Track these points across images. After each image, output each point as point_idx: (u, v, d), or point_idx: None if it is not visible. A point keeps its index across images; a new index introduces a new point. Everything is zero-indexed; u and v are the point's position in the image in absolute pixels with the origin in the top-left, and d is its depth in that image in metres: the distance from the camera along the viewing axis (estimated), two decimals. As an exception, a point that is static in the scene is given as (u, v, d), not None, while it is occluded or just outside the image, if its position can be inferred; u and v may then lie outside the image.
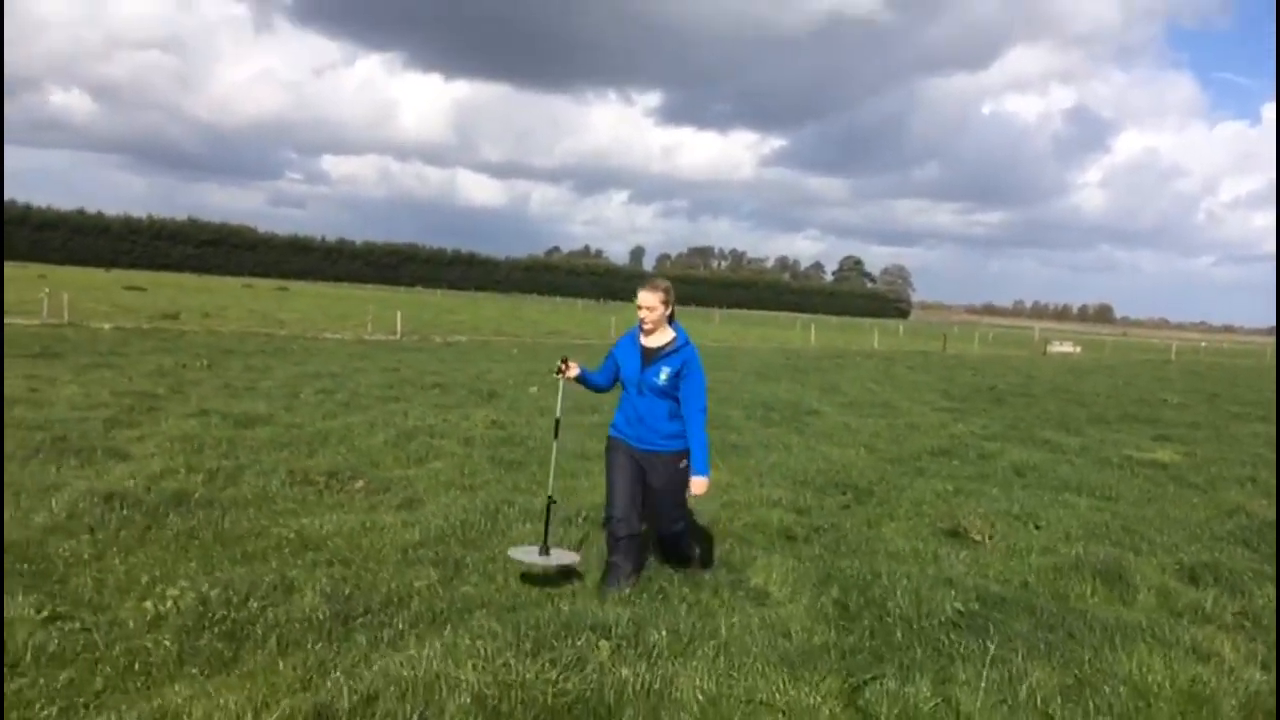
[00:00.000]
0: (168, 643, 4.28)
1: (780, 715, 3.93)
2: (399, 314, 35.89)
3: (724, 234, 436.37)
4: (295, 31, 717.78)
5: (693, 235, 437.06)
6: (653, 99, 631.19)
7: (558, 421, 5.73)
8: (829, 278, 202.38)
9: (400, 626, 4.71)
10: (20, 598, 4.63)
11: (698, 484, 5.25)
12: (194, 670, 4.11)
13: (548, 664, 4.12)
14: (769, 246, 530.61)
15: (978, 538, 7.06)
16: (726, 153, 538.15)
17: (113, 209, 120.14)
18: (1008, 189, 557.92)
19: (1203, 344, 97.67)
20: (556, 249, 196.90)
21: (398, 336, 30.79)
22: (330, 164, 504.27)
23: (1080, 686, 4.38)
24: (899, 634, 4.94)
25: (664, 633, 4.57)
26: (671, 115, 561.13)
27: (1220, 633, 5.26)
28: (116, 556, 5.52)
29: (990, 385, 23.28)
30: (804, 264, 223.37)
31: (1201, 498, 9.41)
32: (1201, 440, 14.18)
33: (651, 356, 5.23)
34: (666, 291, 5.21)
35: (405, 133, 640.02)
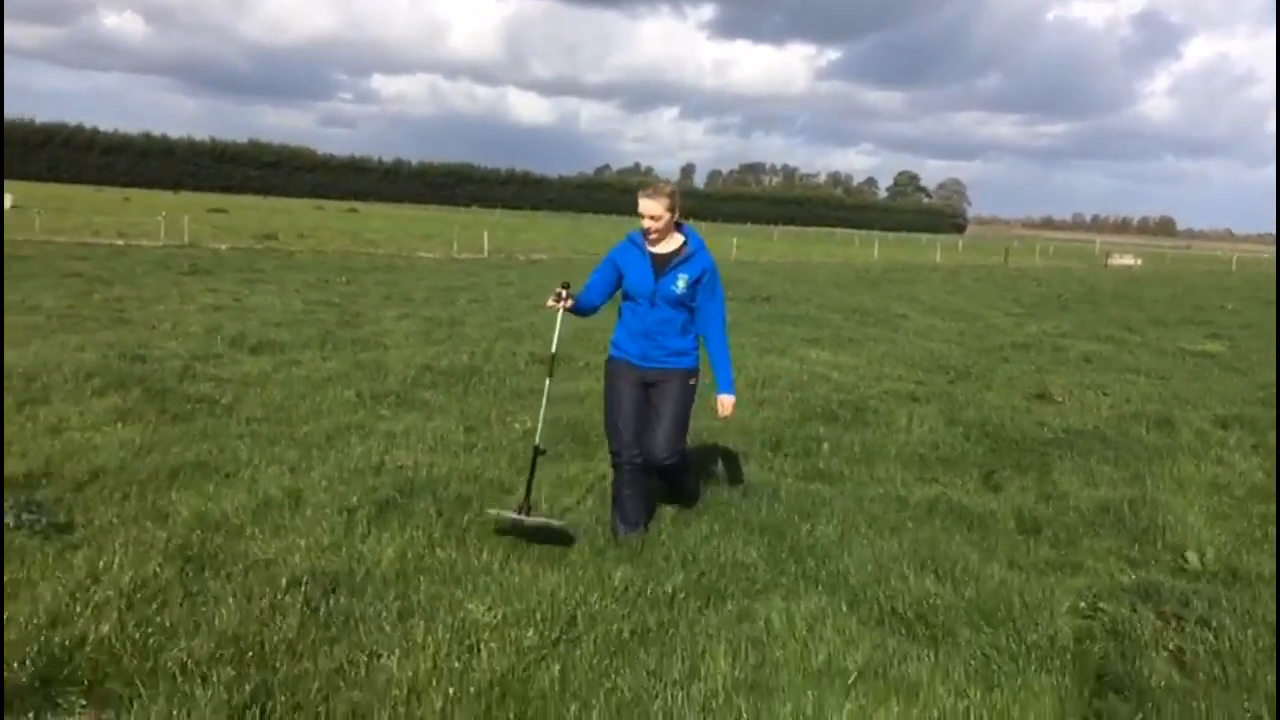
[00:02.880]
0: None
1: (941, 487, 6.18)
2: (485, 234, 38.11)
3: (776, 150, 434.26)
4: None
5: (744, 151, 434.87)
6: (706, 12, 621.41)
7: (553, 357, 5.13)
8: (883, 193, 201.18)
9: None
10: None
11: (726, 403, 4.83)
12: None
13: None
14: (822, 162, 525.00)
15: (1059, 399, 9.23)
16: (781, 66, 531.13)
17: (161, 130, 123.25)
18: (1072, 99, 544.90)
19: (1265, 255, 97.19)
20: (606, 167, 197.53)
21: (485, 255, 32.99)
22: (380, 83, 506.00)
23: (1137, 478, 6.58)
24: (1010, 449, 7.17)
25: (858, 446, 6.87)
26: (725, 28, 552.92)
27: (1237, 454, 7.42)
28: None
29: (1056, 294, 25.15)
30: (857, 179, 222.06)
31: (1239, 377, 11.48)
32: (1248, 337, 16.12)
33: (665, 264, 4.65)
34: (671, 196, 4.60)
35: (455, 51, 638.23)
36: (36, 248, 22.45)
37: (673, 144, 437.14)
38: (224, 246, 27.95)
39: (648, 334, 4.69)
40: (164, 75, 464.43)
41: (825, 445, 6.83)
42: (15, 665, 3.20)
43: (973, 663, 3.64)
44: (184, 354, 9.04)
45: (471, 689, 3.25)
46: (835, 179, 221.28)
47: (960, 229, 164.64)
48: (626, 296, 4.77)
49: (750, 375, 9.46)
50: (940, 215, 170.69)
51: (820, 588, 4.27)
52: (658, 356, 4.71)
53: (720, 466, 6.12)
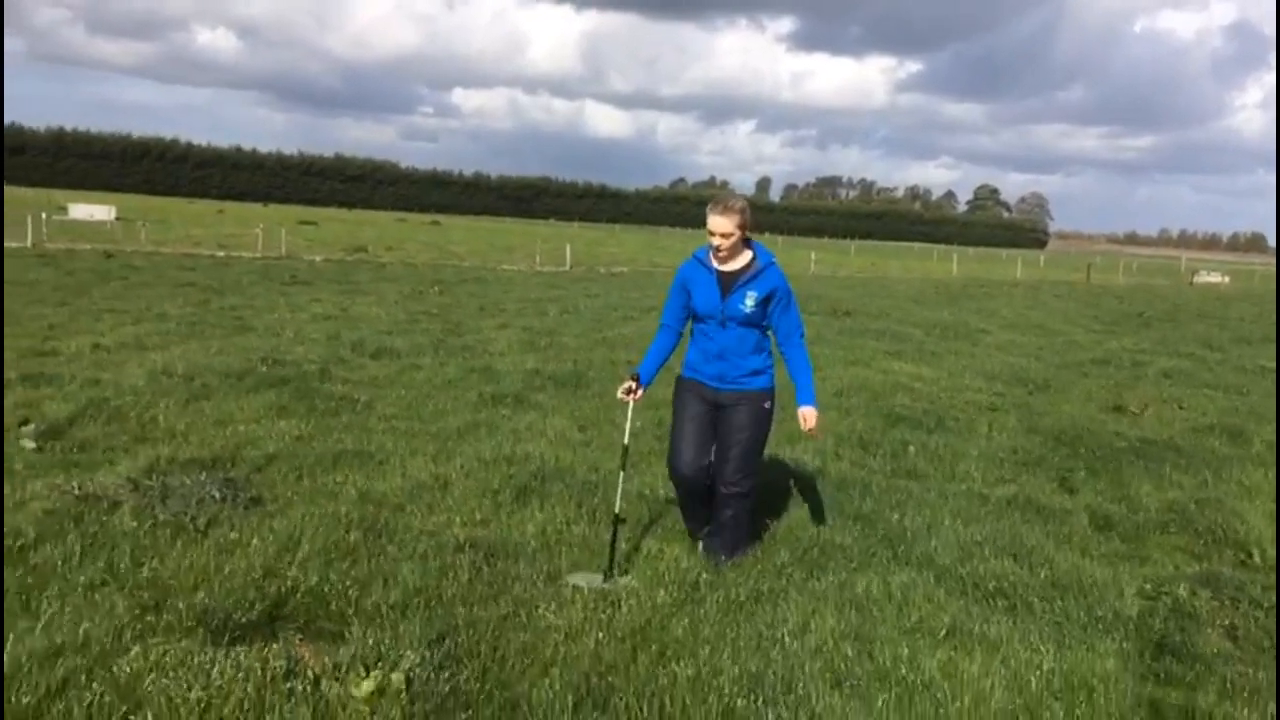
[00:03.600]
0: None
1: (1019, 487, 6.67)
2: (568, 247, 39.03)
3: (853, 163, 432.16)
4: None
5: (821, 165, 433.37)
6: (785, 25, 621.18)
7: (625, 449, 4.73)
8: (962, 207, 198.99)
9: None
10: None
11: (809, 415, 4.59)
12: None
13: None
14: (900, 176, 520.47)
15: (1136, 411, 9.61)
16: (860, 78, 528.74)
17: (251, 144, 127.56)
18: (1159, 111, 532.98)
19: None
20: (682, 180, 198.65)
21: (568, 268, 33.84)
22: (460, 97, 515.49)
23: (1206, 485, 7.00)
24: (1085, 456, 7.62)
25: (941, 448, 7.40)
26: (804, 41, 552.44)
27: (1310, 464, 7.77)
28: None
29: (1138, 312, 25.13)
30: (935, 193, 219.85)
31: (1320, 394, 11.67)
32: (1333, 356, 16.13)
33: (732, 281, 4.51)
34: (742, 213, 4.44)
35: (534, 65, 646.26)
36: (145, 258, 23.83)
37: (748, 157, 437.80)
38: (318, 258, 29.15)
39: (722, 354, 4.56)
40: (253, 89, 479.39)
41: (911, 448, 7.38)
42: (241, 607, 3.94)
43: (1046, 628, 4.19)
44: (315, 358, 9.89)
45: (618, 633, 3.90)
46: (913, 193, 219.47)
47: (1041, 244, 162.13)
48: (696, 318, 4.66)
49: (836, 384, 10.01)
50: (1020, 230, 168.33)
51: (910, 565, 4.85)
52: (734, 377, 4.58)
53: (816, 462, 6.71)
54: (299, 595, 4.09)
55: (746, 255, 4.57)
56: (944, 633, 4.04)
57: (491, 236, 57.09)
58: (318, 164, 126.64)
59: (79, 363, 8.96)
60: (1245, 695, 3.72)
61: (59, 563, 4.19)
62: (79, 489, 4.89)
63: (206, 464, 5.76)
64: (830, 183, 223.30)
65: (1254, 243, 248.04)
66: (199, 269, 21.96)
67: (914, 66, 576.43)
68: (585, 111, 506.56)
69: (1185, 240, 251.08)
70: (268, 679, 3.29)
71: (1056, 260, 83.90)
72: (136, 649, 3.47)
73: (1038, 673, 3.75)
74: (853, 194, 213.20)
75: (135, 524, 4.62)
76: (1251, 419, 9.62)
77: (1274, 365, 14.15)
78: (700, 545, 4.83)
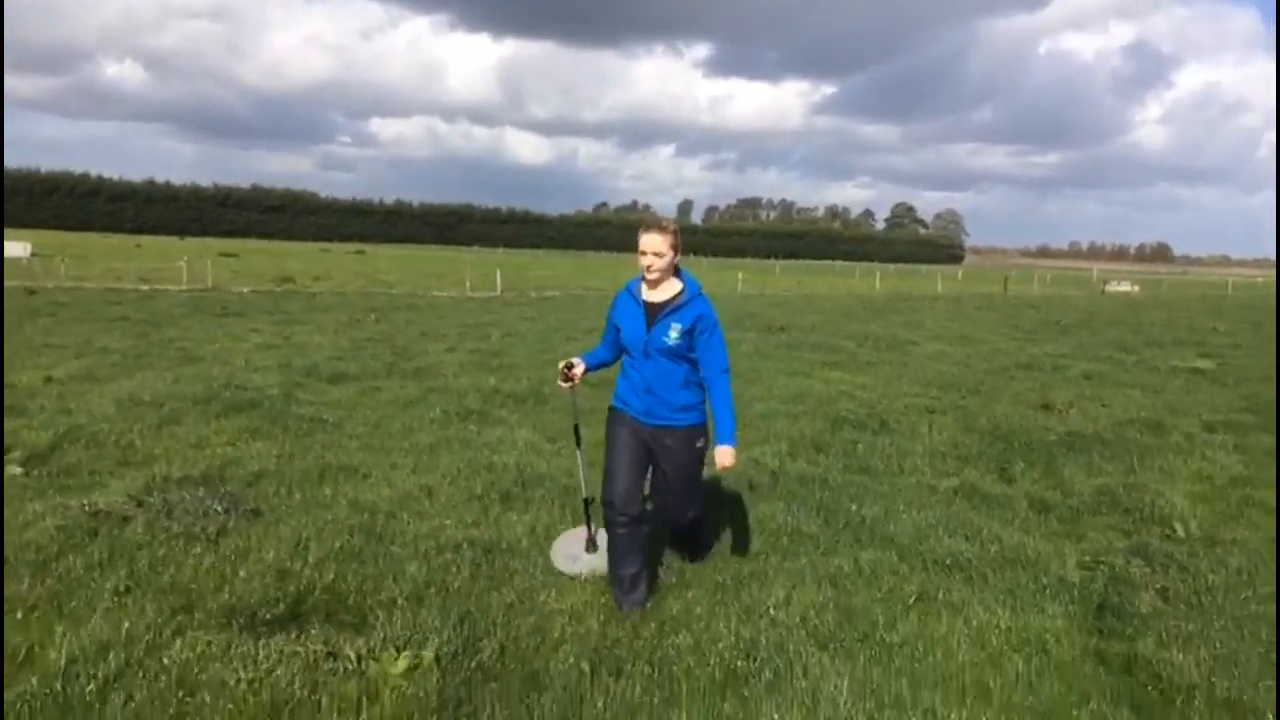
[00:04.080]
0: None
1: (963, 479, 7.17)
2: (498, 272, 39.24)
3: (772, 184, 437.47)
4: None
5: (740, 187, 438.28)
6: (701, 51, 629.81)
7: (576, 427, 4.94)
8: (880, 225, 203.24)
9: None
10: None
11: (726, 454, 4.36)
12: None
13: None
14: (819, 196, 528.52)
15: (1061, 409, 10.24)
16: (776, 102, 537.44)
17: (162, 177, 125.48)
18: (1066, 129, 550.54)
19: (1259, 279, 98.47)
20: (604, 204, 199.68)
21: (499, 293, 34.02)
22: (379, 126, 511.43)
23: (1131, 472, 7.58)
24: (1020, 450, 8.17)
25: (888, 447, 7.89)
26: (721, 67, 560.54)
27: (1220, 451, 8.42)
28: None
29: (1055, 320, 26.22)
30: (854, 212, 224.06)
31: (1227, 390, 12.49)
32: (1237, 355, 17.16)
33: (657, 312, 4.36)
34: (675, 234, 4.31)
35: (452, 93, 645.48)
36: (69, 294, 23.40)
37: (669, 180, 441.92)
38: (246, 289, 28.86)
39: (649, 389, 4.39)
40: (162, 122, 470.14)
41: (860, 446, 7.86)
42: (265, 605, 4.20)
43: (1000, 595, 4.65)
44: (274, 384, 10.04)
45: (617, 614, 4.25)
46: (833, 212, 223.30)
47: (958, 259, 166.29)
48: (624, 350, 4.53)
49: (782, 393, 10.50)
50: (937, 246, 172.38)
51: (874, 546, 5.30)
52: (662, 413, 4.40)
53: (775, 463, 7.14)
54: (317, 592, 4.37)
55: (676, 285, 4.41)
56: (912, 599, 4.47)
57: (418, 264, 56.92)
58: (234, 195, 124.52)
59: (40, 396, 9.02)
60: (1179, 642, 4.20)
61: (82, 572, 4.41)
62: (88, 506, 5.09)
63: (199, 481, 5.97)
64: (751, 204, 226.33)
65: (1159, 253, 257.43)
66: (125, 303, 21.65)
67: (829, 89, 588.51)
68: (505, 138, 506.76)
69: (1095, 252, 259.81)
70: (311, 661, 3.58)
71: (974, 274, 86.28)
72: (179, 642, 3.73)
73: (997, 631, 4.20)
74: (773, 215, 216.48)
75: (148, 536, 4.85)
76: (1168, 413, 10.31)
77: (1185, 365, 15.03)
78: (619, 599, 4.42)
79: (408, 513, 5.63)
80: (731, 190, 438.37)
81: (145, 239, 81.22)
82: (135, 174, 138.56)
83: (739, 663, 3.78)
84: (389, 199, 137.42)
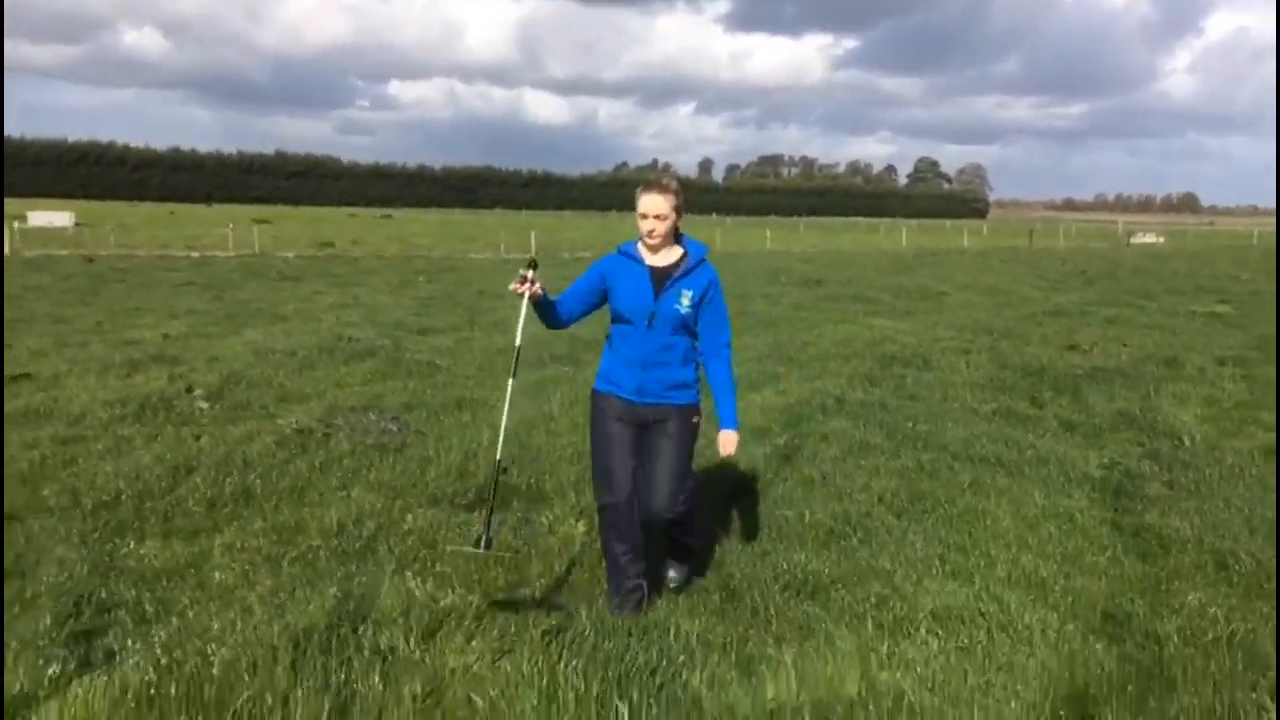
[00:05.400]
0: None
1: (998, 404, 8.28)
2: (532, 234, 40.35)
3: (793, 141, 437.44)
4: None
5: (762, 144, 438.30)
6: (722, 5, 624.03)
7: (518, 351, 4.19)
8: (903, 181, 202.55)
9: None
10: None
11: (730, 440, 4.05)
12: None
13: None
14: (840, 152, 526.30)
15: (1086, 349, 11.31)
16: (797, 57, 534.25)
17: (180, 144, 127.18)
18: (1092, 79, 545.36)
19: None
20: (624, 164, 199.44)
21: (533, 254, 34.92)
22: (397, 89, 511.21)
23: (1147, 397, 8.67)
24: (1049, 381, 9.26)
25: (932, 379, 9.01)
26: (741, 21, 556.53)
27: (1229, 382, 9.48)
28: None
29: (1080, 270, 27.14)
30: (876, 168, 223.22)
31: (1241, 332, 13.51)
32: (1254, 301, 18.12)
33: (665, 278, 3.93)
34: (678, 194, 3.93)
35: (471, 54, 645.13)
36: (124, 261, 24.62)
37: (689, 138, 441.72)
38: (290, 254, 29.88)
39: (645, 364, 3.93)
40: (181, 89, 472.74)
41: (908, 379, 9.00)
42: (458, 494, 5.38)
43: (1035, 484, 5.79)
44: (373, 336, 11.24)
45: (723, 492, 5.43)
46: (854, 168, 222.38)
47: (981, 214, 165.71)
48: (617, 319, 4.02)
49: (832, 338, 11.62)
50: (961, 201, 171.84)
51: (930, 449, 6.46)
52: (656, 390, 3.95)
53: (837, 391, 8.29)
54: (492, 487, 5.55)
55: (678, 250, 4.01)
56: (966, 484, 5.63)
57: (448, 228, 58.03)
58: (258, 161, 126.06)
59: (172, 347, 10.23)
60: (1178, 514, 5.33)
61: (307, 472, 5.62)
62: (295, 424, 6.30)
63: (364, 410, 7.17)
64: (772, 161, 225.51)
65: (1186, 203, 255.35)
66: (182, 269, 22.74)
67: (850, 43, 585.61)
68: (525, 99, 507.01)
69: (1121, 204, 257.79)
70: (516, 525, 4.78)
71: (999, 228, 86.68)
72: (409, 516, 4.93)
73: (1033, 506, 5.35)
74: (794, 172, 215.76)
75: (350, 446, 6.05)
76: (1183, 350, 11.36)
77: (1203, 310, 16.03)
78: (612, 604, 4.01)
79: (541, 432, 6.81)
80: (752, 148, 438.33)
81: (176, 207, 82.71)
82: (156, 141, 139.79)
83: (835, 525, 4.95)
84: (410, 163, 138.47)
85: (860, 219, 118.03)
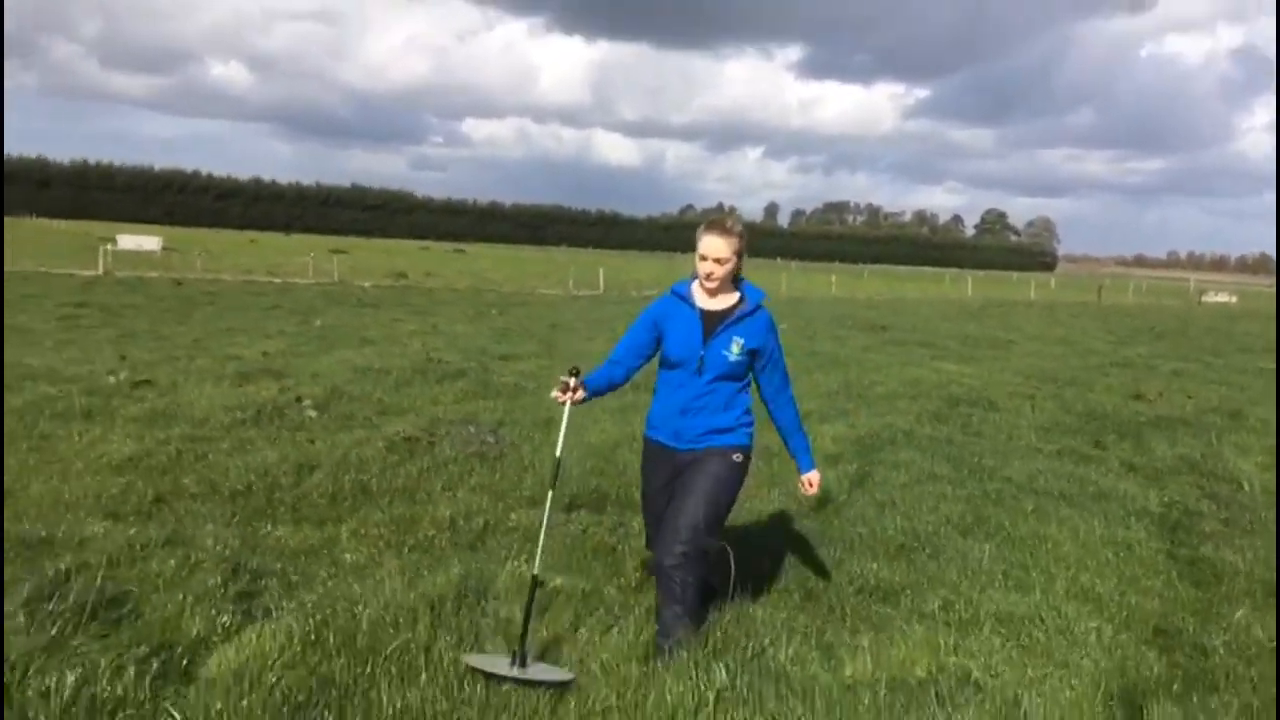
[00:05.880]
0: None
1: (1061, 445, 8.57)
2: (601, 272, 41.09)
3: (860, 188, 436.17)
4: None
5: (827, 190, 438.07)
6: (793, 53, 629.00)
7: (558, 463, 4.03)
8: (969, 232, 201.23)
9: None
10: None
11: (812, 480, 4.02)
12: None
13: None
14: (907, 200, 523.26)
15: (1151, 399, 11.52)
16: (867, 105, 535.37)
17: (261, 175, 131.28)
18: (1167, 135, 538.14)
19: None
20: (690, 207, 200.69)
21: (601, 291, 35.71)
22: (471, 127, 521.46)
23: (1209, 445, 8.90)
24: (1113, 427, 9.52)
25: (998, 420, 9.33)
26: (813, 69, 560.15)
27: (1292, 434, 9.68)
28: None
29: (1150, 326, 27.07)
30: (942, 218, 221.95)
31: (1309, 389, 13.58)
32: (1326, 361, 18.06)
33: (718, 322, 3.80)
34: (741, 238, 3.77)
35: (544, 95, 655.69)
36: (212, 285, 25.74)
37: (756, 183, 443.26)
38: (367, 284, 30.90)
39: (684, 409, 3.80)
40: (264, 121, 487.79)
41: (974, 418, 9.33)
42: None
43: (1096, 516, 6.11)
44: (459, 360, 11.84)
45: (807, 508, 5.84)
46: (921, 217, 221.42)
47: (1049, 267, 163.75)
48: (664, 363, 3.90)
49: (899, 379, 11.96)
50: (1028, 253, 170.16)
51: (995, 481, 6.81)
52: (694, 435, 3.82)
53: (907, 427, 8.65)
54: (586, 494, 6.04)
55: (734, 295, 3.86)
56: (1029, 511, 5.99)
57: (517, 264, 59.12)
58: (335, 194, 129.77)
59: (273, 363, 10.90)
60: (1231, 549, 5.62)
61: (415, 474, 6.15)
62: (401, 433, 6.84)
63: (462, 424, 7.71)
64: (837, 208, 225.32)
65: (1261, 264, 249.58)
66: (268, 294, 23.72)
67: (922, 93, 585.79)
68: (594, 140, 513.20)
69: (1193, 262, 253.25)
70: (611, 527, 5.24)
71: (1067, 282, 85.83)
72: (514, 514, 5.43)
73: (1094, 535, 5.68)
74: (860, 219, 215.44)
75: (453, 453, 6.58)
76: (1248, 404, 11.51)
77: (1272, 368, 16.04)
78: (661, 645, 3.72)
79: (626, 450, 7.27)
80: (818, 194, 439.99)
81: (257, 235, 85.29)
82: (238, 171, 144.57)
83: (905, 540, 5.33)
84: (482, 199, 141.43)
85: (926, 268, 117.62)
